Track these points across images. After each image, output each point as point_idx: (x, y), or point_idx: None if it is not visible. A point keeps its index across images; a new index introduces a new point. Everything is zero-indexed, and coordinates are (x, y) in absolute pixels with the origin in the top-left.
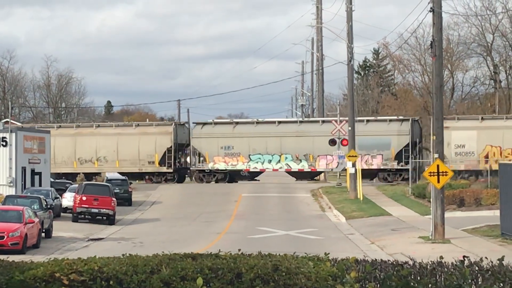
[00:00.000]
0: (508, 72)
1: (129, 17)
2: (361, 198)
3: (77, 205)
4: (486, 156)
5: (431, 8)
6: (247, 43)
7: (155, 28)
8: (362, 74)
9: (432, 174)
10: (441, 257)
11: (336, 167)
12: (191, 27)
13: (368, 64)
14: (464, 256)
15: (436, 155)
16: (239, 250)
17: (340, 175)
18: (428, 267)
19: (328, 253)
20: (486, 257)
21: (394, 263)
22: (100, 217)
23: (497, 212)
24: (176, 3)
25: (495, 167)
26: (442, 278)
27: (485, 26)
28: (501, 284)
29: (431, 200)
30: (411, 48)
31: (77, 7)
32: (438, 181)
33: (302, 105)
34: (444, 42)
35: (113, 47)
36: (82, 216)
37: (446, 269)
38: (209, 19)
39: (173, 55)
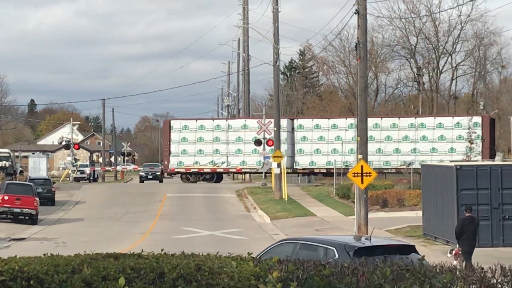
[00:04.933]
0: (431, 74)
1: (69, 16)
2: (286, 199)
3: None
4: None
5: (356, 10)
6: (185, 43)
7: (95, 27)
8: (288, 75)
9: (356, 175)
10: (364, 258)
11: (262, 167)
12: (131, 26)
13: (293, 65)
14: (385, 256)
15: (360, 156)
16: (162, 250)
17: (265, 175)
18: (350, 267)
19: (251, 253)
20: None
21: (317, 263)
22: (23, 217)
23: (419, 213)
24: (119, 2)
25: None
26: (364, 278)
27: (409, 29)
28: (421, 284)
29: (355, 200)
30: (336, 49)
31: (15, 5)
32: (362, 182)
33: (228, 105)
34: (368, 44)
35: (51, 46)
36: (4, 215)
37: (367, 268)
38: (150, 18)
39: (110, 54)
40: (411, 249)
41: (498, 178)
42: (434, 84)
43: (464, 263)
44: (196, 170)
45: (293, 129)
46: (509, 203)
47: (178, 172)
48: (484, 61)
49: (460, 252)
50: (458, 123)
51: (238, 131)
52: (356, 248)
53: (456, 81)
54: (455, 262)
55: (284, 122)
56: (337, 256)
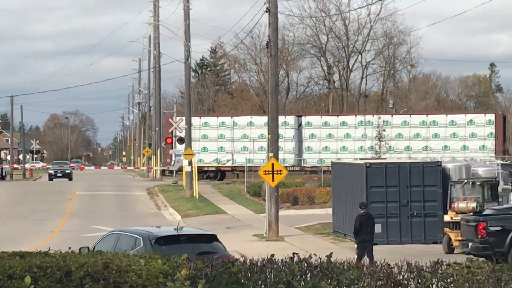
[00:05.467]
0: (341, 73)
1: None
2: (197, 197)
3: None
4: None
5: (267, 8)
6: (97, 40)
7: (4, 23)
8: (199, 73)
9: (267, 172)
10: (272, 255)
11: (173, 165)
12: (42, 22)
13: (205, 63)
14: (294, 253)
15: (271, 154)
16: (70, 248)
17: (176, 173)
18: (259, 264)
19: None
20: (315, 254)
21: (225, 260)
22: None
23: (329, 210)
24: None
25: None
26: (272, 275)
27: (320, 28)
28: (329, 280)
29: (266, 198)
30: (248, 48)
31: None
32: (273, 180)
33: (139, 102)
34: (279, 42)
35: None
36: None
37: (276, 265)
38: (61, 14)
39: (20, 51)
40: (213, 238)
41: (406, 175)
42: (344, 83)
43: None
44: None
45: (299, 126)
46: (417, 200)
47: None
48: (394, 60)
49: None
50: (471, 120)
51: (244, 128)
52: (157, 237)
53: (366, 80)
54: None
55: (291, 119)
56: (142, 245)
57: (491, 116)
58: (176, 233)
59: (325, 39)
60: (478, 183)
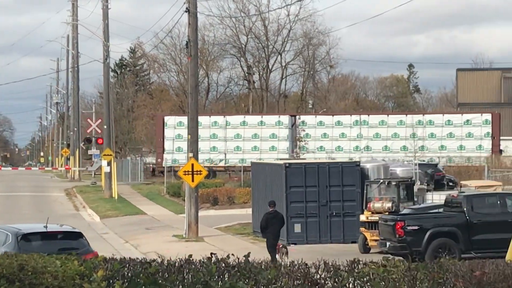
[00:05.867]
0: (261, 73)
1: None
2: (116, 197)
3: None
4: None
5: (186, 8)
6: (16, 39)
7: None
8: (119, 73)
9: (186, 173)
10: (190, 255)
11: (92, 166)
12: None
13: (124, 63)
14: (211, 253)
15: (191, 154)
16: None
17: (94, 174)
18: (176, 264)
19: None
20: (233, 254)
21: (143, 261)
22: None
23: (249, 211)
24: None
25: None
26: (190, 275)
27: (239, 28)
28: (247, 280)
29: (186, 199)
30: (167, 48)
31: None
32: (193, 180)
33: (57, 102)
34: (199, 43)
35: None
36: None
37: (193, 266)
38: None
39: None
40: (78, 235)
41: (325, 175)
42: (264, 83)
43: (283, 256)
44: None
45: (293, 125)
46: (336, 200)
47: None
48: (313, 60)
49: (280, 246)
50: (468, 120)
51: (237, 128)
52: (24, 234)
53: (286, 80)
54: (277, 257)
55: (285, 119)
56: (10, 240)
57: (488, 116)
58: (43, 230)
59: (245, 40)
60: (393, 183)
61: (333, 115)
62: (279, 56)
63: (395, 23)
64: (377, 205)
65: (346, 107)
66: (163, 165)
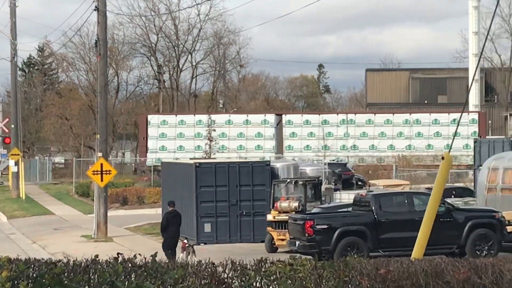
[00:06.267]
0: (171, 72)
1: None
2: (24, 197)
3: None
4: None
5: (96, 7)
6: None
7: None
8: (27, 72)
9: (95, 172)
10: (96, 255)
11: None
12: None
13: (32, 62)
14: (118, 253)
15: (100, 154)
16: None
17: (1, 174)
18: (82, 264)
19: None
20: (139, 254)
21: (48, 261)
22: None
23: (159, 210)
24: None
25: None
26: (96, 276)
27: (150, 27)
28: (153, 280)
29: (95, 198)
30: (76, 46)
31: None
32: (102, 180)
33: None
34: (109, 41)
35: None
36: None
37: (100, 266)
38: None
39: None
40: None
41: (236, 175)
42: (174, 82)
43: (190, 256)
44: None
45: (278, 124)
46: (246, 199)
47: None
48: (224, 60)
49: (186, 245)
50: (454, 119)
51: (222, 126)
52: None
53: (196, 80)
54: (182, 255)
55: (271, 118)
56: None
57: (475, 115)
58: None
59: (155, 39)
60: (300, 182)
61: (319, 114)
62: (190, 55)
63: (307, 24)
64: (284, 204)
65: (256, 106)
66: (146, 164)
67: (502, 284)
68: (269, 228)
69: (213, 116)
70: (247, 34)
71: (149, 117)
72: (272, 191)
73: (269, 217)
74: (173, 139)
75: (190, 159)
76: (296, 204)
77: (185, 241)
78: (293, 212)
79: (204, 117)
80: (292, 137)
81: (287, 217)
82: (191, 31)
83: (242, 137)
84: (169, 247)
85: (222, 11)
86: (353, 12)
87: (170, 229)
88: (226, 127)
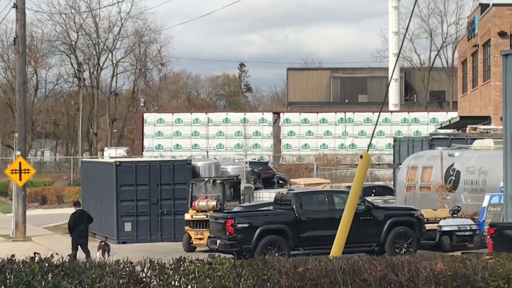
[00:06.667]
0: (91, 70)
1: None
2: None
3: None
4: None
5: (14, 4)
6: None
7: None
8: None
9: (14, 171)
10: (13, 255)
11: None
12: None
13: None
14: (35, 253)
15: (18, 153)
16: None
17: None
18: None
19: None
20: (57, 253)
21: None
22: None
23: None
24: None
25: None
26: (12, 275)
27: (70, 25)
28: (71, 280)
29: (13, 197)
30: None
31: None
32: (20, 179)
33: None
34: (28, 39)
35: None
36: None
37: (16, 266)
38: None
39: None
40: None
41: (157, 174)
42: (95, 80)
43: (105, 255)
44: None
45: (274, 123)
46: (167, 198)
47: None
48: (145, 58)
49: (102, 243)
50: (433, 118)
51: (220, 125)
52: None
53: (117, 78)
54: (98, 254)
55: (269, 116)
56: None
57: (454, 114)
58: None
59: (75, 36)
60: (218, 181)
61: (317, 113)
62: (110, 53)
63: (230, 22)
64: (202, 203)
65: (178, 105)
66: None
67: (418, 281)
68: (187, 227)
69: (210, 115)
70: (169, 32)
71: (145, 115)
72: (191, 190)
73: (187, 216)
74: (170, 137)
75: (110, 157)
76: (214, 203)
77: (102, 239)
78: (211, 211)
79: (201, 116)
80: (290, 136)
81: (205, 216)
82: (112, 29)
83: (239, 136)
84: (77, 246)
85: (143, 9)
86: (276, 11)
87: (77, 228)
88: (223, 126)
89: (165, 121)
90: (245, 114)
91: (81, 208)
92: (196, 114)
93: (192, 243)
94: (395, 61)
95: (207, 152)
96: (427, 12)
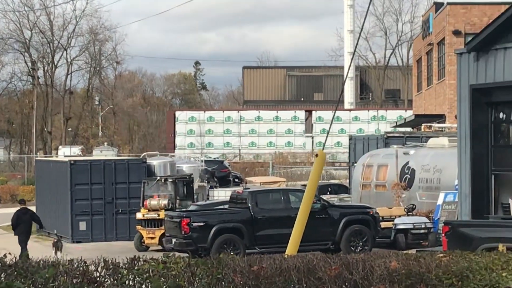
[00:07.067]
0: (46, 69)
1: None
2: None
3: None
4: None
5: None
6: None
7: None
8: None
9: None
10: None
11: None
12: None
13: None
14: None
15: None
16: None
17: None
18: None
19: None
20: (10, 253)
21: None
22: None
23: (33, 209)
24: None
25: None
26: None
27: (23, 22)
28: (24, 279)
29: None
30: None
31: None
32: None
33: None
34: None
35: None
36: None
37: None
38: None
39: None
40: None
41: (111, 173)
42: (49, 79)
43: (57, 253)
44: None
45: (306, 120)
46: (122, 197)
47: None
48: (100, 56)
49: (55, 241)
50: (382, 116)
51: (252, 123)
52: None
53: (71, 76)
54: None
55: (301, 114)
56: None
57: (409, 112)
58: None
59: (29, 34)
60: (170, 180)
61: (350, 110)
62: (65, 51)
63: (187, 20)
64: (154, 202)
65: (133, 103)
66: None
67: (372, 280)
68: (138, 227)
69: (242, 113)
70: (123, 30)
71: (177, 113)
72: (143, 189)
73: (139, 215)
74: (202, 135)
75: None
76: (165, 202)
77: (55, 238)
78: (163, 210)
79: (233, 114)
80: (323, 134)
81: (156, 215)
82: (67, 27)
83: (272, 134)
84: (22, 244)
85: (98, 7)
86: (232, 10)
87: (21, 226)
88: (255, 124)
89: (197, 119)
90: (277, 112)
91: (26, 206)
92: (228, 112)
93: (143, 242)
94: (351, 60)
95: (239, 150)
96: (382, 11)
